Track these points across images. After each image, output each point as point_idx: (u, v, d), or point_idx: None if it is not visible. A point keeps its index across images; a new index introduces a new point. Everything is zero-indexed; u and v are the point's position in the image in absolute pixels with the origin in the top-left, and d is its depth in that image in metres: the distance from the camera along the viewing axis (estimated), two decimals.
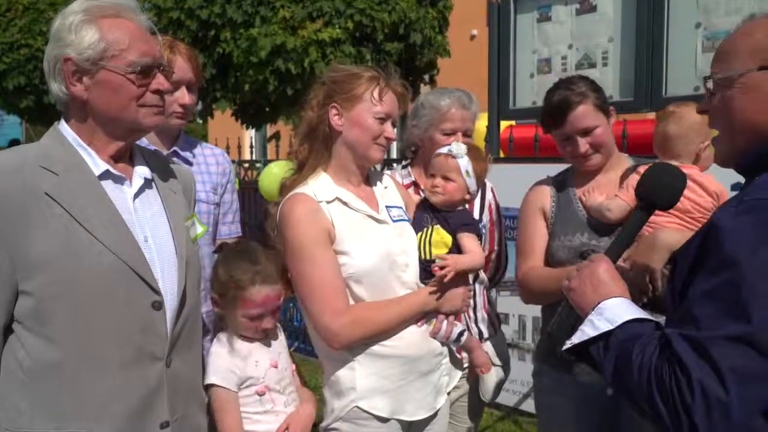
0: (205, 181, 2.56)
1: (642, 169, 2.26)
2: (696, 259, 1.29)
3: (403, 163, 2.99)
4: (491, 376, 2.74)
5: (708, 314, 1.21)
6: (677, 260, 1.40)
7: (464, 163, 2.28)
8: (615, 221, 2.27)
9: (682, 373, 1.20)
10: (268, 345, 2.18)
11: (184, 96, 2.45)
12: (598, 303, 1.45)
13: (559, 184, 2.49)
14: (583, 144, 2.31)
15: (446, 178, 2.28)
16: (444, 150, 2.32)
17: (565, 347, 1.49)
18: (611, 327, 1.39)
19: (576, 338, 1.46)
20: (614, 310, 1.41)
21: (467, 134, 2.74)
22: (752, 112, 1.38)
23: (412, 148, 2.94)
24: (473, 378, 2.68)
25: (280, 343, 2.24)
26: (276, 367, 2.15)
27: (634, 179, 2.23)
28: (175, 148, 2.52)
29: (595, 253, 2.21)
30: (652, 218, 2.16)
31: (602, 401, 2.33)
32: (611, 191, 2.31)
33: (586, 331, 1.43)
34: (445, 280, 2.13)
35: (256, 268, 2.08)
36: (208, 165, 2.62)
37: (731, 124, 1.42)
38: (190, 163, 2.54)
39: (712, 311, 1.21)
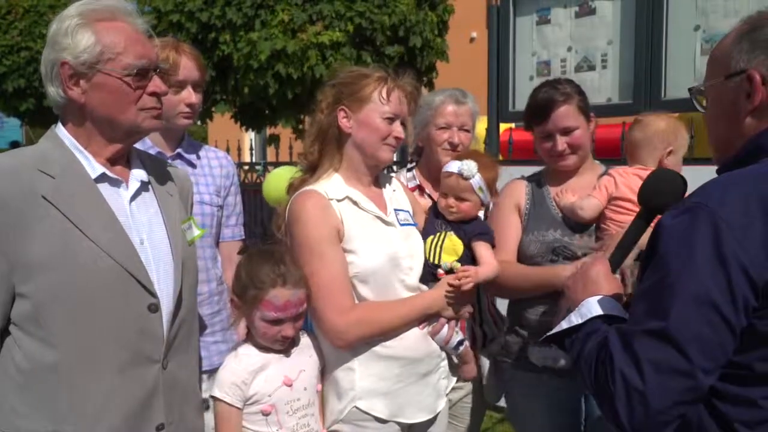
0: (209, 184, 2.57)
1: (613, 170, 2.37)
2: (646, 259, 1.37)
3: (408, 166, 3.00)
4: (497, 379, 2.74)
5: (640, 310, 1.31)
6: (641, 260, 1.47)
7: (476, 181, 2.28)
8: (587, 219, 2.34)
9: (609, 363, 1.29)
10: (288, 359, 2.05)
11: (190, 95, 2.46)
12: (583, 300, 1.53)
13: (534, 182, 2.55)
14: (562, 143, 2.38)
15: (460, 199, 2.29)
16: (454, 170, 2.30)
17: (542, 337, 1.60)
18: (581, 321, 1.48)
19: (554, 330, 1.55)
20: (589, 307, 1.50)
21: (464, 129, 2.75)
22: (722, 119, 1.45)
23: (411, 150, 2.95)
24: (477, 379, 2.68)
25: (306, 360, 2.10)
26: (290, 385, 2.01)
27: (607, 179, 2.34)
28: (179, 150, 2.53)
29: (566, 250, 2.27)
30: (618, 217, 2.25)
31: (572, 399, 2.40)
32: (583, 193, 2.38)
33: (563, 325, 1.53)
34: (464, 288, 2.16)
35: (279, 270, 1.96)
36: (212, 167, 2.62)
37: (710, 132, 1.51)
38: (194, 166, 2.56)
39: (644, 307, 1.31)
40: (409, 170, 2.94)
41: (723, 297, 1.21)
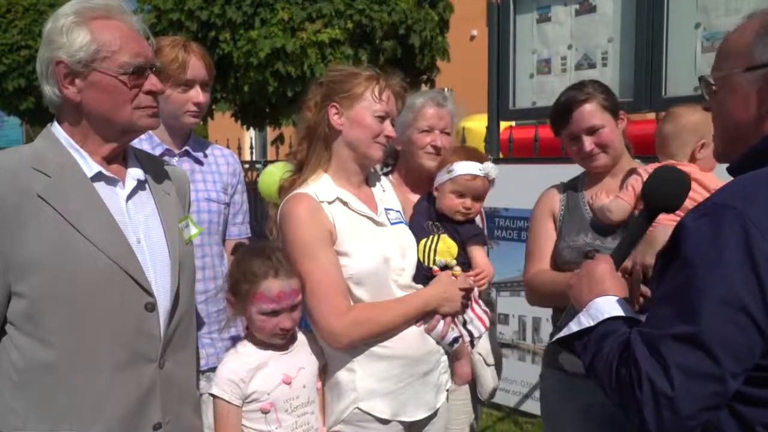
0: (216, 181, 2.58)
1: (641, 169, 2.29)
2: (665, 260, 1.34)
3: (384, 170, 2.96)
4: (488, 376, 2.73)
5: (663, 314, 1.28)
6: (657, 260, 1.44)
7: (495, 181, 2.34)
8: (616, 221, 2.29)
9: (635, 368, 1.26)
10: (287, 357, 2.04)
11: (198, 95, 2.47)
12: (590, 301, 1.50)
13: (570, 187, 2.52)
14: (589, 143, 2.33)
15: (477, 199, 2.30)
16: (478, 172, 2.30)
17: (551, 340, 1.58)
18: (592, 323, 1.45)
19: (563, 332, 1.53)
20: (599, 308, 1.47)
21: (445, 131, 2.72)
22: (738, 112, 1.41)
23: (390, 157, 2.91)
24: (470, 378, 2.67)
25: (305, 358, 2.09)
26: (289, 384, 2.01)
27: (634, 179, 2.28)
28: (186, 147, 2.54)
29: (599, 253, 2.25)
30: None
31: (609, 405, 2.33)
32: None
33: (572, 327, 1.50)
34: (482, 288, 2.21)
35: (269, 262, 1.98)
36: (219, 165, 2.63)
37: (720, 124, 1.47)
38: (201, 163, 2.57)
39: (667, 311, 1.27)
40: (385, 174, 2.89)
41: (754, 300, 1.19)
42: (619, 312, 1.45)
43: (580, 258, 2.28)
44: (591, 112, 2.32)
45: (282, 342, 2.04)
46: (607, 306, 1.47)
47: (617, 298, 1.49)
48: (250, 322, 2.02)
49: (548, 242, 2.45)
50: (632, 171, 2.36)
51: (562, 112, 2.36)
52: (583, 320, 1.48)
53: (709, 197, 1.33)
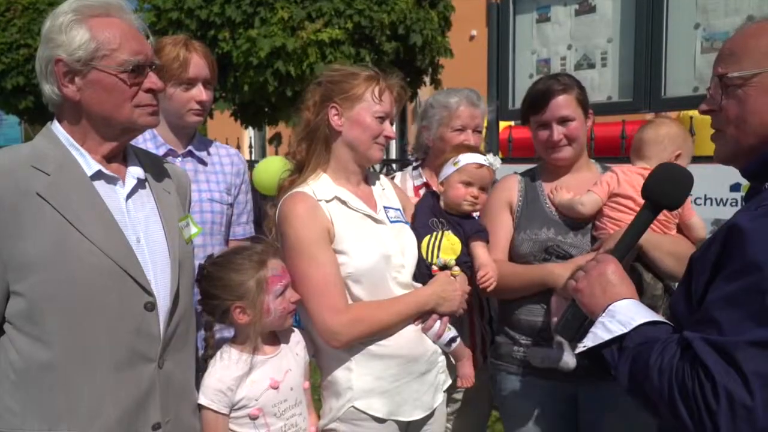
0: (219, 181, 2.56)
1: (616, 167, 2.36)
2: (716, 262, 1.28)
3: (414, 164, 2.99)
4: None
5: (731, 318, 1.20)
6: (694, 263, 1.38)
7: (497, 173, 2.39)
8: (587, 216, 2.31)
9: (706, 377, 1.19)
10: (274, 360, 2.02)
11: (201, 93, 2.46)
12: (609, 305, 1.45)
13: (528, 179, 2.52)
14: (558, 132, 2.35)
15: (484, 189, 2.34)
16: (484, 161, 2.34)
17: (578, 350, 1.49)
18: (625, 330, 1.39)
19: (589, 341, 1.45)
20: (626, 313, 1.41)
21: (477, 130, 2.78)
22: (760, 112, 1.36)
23: (410, 148, 2.96)
24: (485, 378, 2.67)
25: (292, 359, 2.07)
26: (276, 388, 1.99)
27: (609, 176, 2.32)
28: (190, 147, 2.53)
29: (559, 249, 2.25)
30: (616, 215, 2.23)
31: (563, 401, 2.36)
32: (578, 191, 2.35)
33: (599, 334, 1.43)
34: (489, 289, 2.22)
35: (254, 250, 2.00)
36: (223, 165, 2.61)
37: (743, 124, 1.39)
38: (204, 163, 2.55)
39: (736, 315, 1.19)
40: (414, 168, 2.94)
41: None
42: (649, 317, 1.39)
43: (540, 252, 2.32)
44: (567, 102, 2.35)
45: (290, 324, 2.07)
46: (631, 310, 1.41)
47: (636, 300, 1.44)
48: (268, 314, 1.97)
49: (504, 232, 2.44)
50: (607, 170, 2.41)
51: (538, 99, 2.38)
52: (612, 327, 1.41)
53: (759, 201, 1.29)
